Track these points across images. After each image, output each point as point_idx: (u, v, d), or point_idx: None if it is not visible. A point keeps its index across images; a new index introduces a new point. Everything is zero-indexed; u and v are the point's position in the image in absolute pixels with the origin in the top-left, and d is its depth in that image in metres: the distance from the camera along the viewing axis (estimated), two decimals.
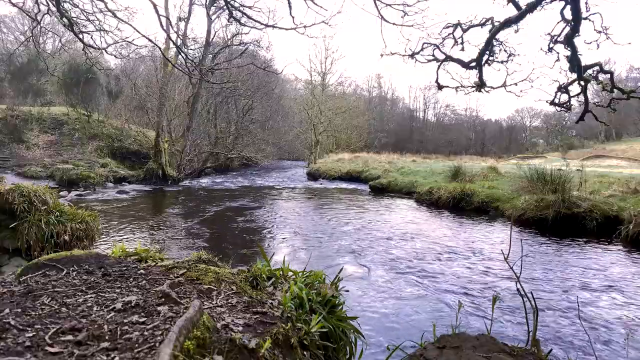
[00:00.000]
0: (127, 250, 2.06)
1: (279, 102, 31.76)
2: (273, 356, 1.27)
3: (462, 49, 6.31)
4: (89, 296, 1.35)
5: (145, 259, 1.96)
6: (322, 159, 27.17)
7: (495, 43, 6.05)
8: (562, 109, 6.62)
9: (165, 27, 6.91)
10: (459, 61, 6.23)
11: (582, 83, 5.83)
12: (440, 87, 6.71)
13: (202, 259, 2.07)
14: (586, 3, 5.12)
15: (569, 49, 5.43)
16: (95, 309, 1.24)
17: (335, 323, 1.83)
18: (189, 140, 18.24)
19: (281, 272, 2.09)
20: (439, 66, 6.47)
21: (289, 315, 1.59)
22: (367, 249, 5.84)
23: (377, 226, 7.64)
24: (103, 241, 5.62)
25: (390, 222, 8.20)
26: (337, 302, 1.96)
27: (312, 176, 21.18)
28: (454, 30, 6.18)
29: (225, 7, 5.71)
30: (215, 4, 15.14)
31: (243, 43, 19.12)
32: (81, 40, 6.13)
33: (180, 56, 12.44)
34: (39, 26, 6.49)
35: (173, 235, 6.61)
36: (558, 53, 5.88)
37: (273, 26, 5.46)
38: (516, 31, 5.71)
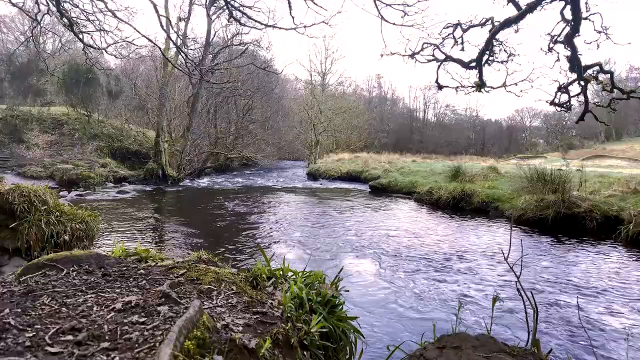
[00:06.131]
0: (127, 250, 2.06)
1: (279, 102, 31.77)
2: (273, 356, 1.27)
3: (462, 49, 6.31)
4: (89, 296, 1.35)
5: (145, 259, 1.96)
6: (322, 159, 27.14)
7: (495, 43, 6.05)
8: (562, 109, 6.63)
9: (165, 27, 6.92)
10: (459, 61, 6.23)
11: (582, 83, 5.83)
12: (440, 87, 6.72)
13: (202, 259, 2.07)
14: (586, 3, 5.12)
15: (569, 49, 5.43)
16: (95, 309, 1.24)
17: (335, 323, 1.83)
18: (189, 140, 18.23)
19: (281, 272, 2.09)
20: (439, 66, 6.47)
21: (289, 315, 1.59)
22: (367, 249, 5.84)
23: (377, 226, 7.64)
24: (103, 241, 5.62)
25: (390, 222, 8.20)
26: (337, 302, 1.97)
27: (312, 176, 21.18)
28: (454, 30, 6.19)
29: (225, 7, 5.71)
30: (215, 4, 15.14)
31: (243, 43, 19.12)
32: (81, 40, 6.14)
33: (180, 56, 12.44)
34: (39, 26, 6.50)
35: (173, 235, 6.61)
36: (558, 53, 5.89)
37: (273, 26, 5.46)
38: (516, 31, 5.72)
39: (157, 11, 5.13)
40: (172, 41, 7.51)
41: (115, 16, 5.65)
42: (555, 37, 5.71)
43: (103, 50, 7.05)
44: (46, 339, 1.00)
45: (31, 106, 20.30)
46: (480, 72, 6.19)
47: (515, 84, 6.30)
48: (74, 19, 5.89)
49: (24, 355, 0.92)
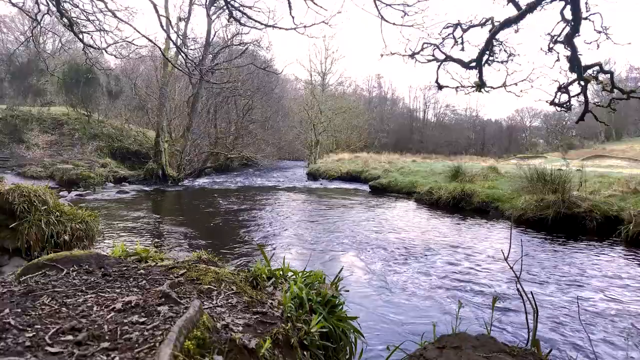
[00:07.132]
0: (127, 250, 2.06)
1: (279, 102, 31.76)
2: (273, 356, 1.27)
3: (462, 49, 6.32)
4: (89, 296, 1.35)
5: (145, 259, 1.96)
6: (322, 159, 27.13)
7: (495, 43, 6.06)
8: (562, 109, 6.64)
9: (165, 27, 6.92)
10: (459, 61, 6.24)
11: (582, 83, 5.84)
12: (440, 87, 6.72)
13: (202, 259, 2.07)
14: (586, 3, 5.13)
15: (569, 49, 5.44)
16: (95, 309, 1.24)
17: (335, 323, 1.83)
18: (189, 140, 18.23)
19: (281, 272, 2.09)
20: (439, 66, 6.48)
21: (289, 315, 1.59)
22: (366, 249, 5.84)
23: (377, 226, 7.64)
24: (103, 241, 5.62)
25: (391, 222, 8.20)
26: (337, 302, 1.97)
27: (312, 176, 21.17)
28: (454, 30, 6.19)
29: (225, 7, 5.71)
30: (215, 4, 15.14)
31: (243, 43, 19.12)
32: (81, 40, 6.15)
33: (180, 56, 12.44)
34: (39, 26, 6.50)
35: (173, 235, 6.61)
36: (558, 53, 5.90)
37: (273, 26, 5.47)
38: (516, 31, 5.73)
39: (157, 11, 5.13)
40: (172, 41, 7.52)
41: (115, 16, 5.65)
42: (555, 37, 5.71)
43: (103, 50, 7.06)
44: (46, 339, 1.00)
45: (31, 106, 20.30)
46: (480, 72, 6.20)
47: (515, 84, 6.31)
48: (74, 19, 5.89)
49: (24, 355, 0.92)
